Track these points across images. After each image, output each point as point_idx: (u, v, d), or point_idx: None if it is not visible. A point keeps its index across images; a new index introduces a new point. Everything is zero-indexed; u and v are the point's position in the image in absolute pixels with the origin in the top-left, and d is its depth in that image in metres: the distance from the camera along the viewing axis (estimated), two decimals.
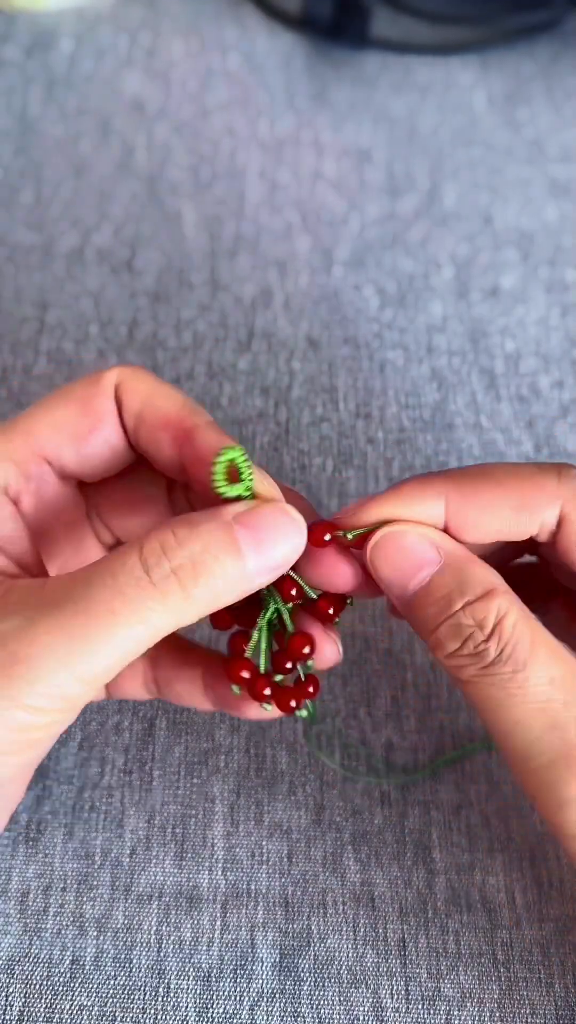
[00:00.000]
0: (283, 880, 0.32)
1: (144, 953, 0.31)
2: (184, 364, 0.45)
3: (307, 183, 0.52)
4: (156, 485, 0.29)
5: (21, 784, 0.27)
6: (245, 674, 0.27)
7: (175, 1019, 0.30)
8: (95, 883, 0.32)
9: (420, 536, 0.25)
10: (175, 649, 0.30)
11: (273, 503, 0.25)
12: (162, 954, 0.31)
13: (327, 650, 0.28)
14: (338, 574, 0.26)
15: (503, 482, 0.25)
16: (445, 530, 0.25)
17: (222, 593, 0.23)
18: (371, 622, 0.38)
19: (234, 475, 0.24)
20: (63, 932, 0.31)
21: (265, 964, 0.31)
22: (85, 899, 0.32)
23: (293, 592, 0.27)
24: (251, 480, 0.24)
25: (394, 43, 0.58)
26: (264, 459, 0.42)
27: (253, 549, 0.23)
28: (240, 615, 0.28)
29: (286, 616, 0.27)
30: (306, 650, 0.27)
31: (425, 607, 0.24)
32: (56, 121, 0.55)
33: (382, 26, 0.58)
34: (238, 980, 0.31)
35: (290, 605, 0.27)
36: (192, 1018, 0.30)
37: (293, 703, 0.27)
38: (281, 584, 0.27)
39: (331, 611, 0.27)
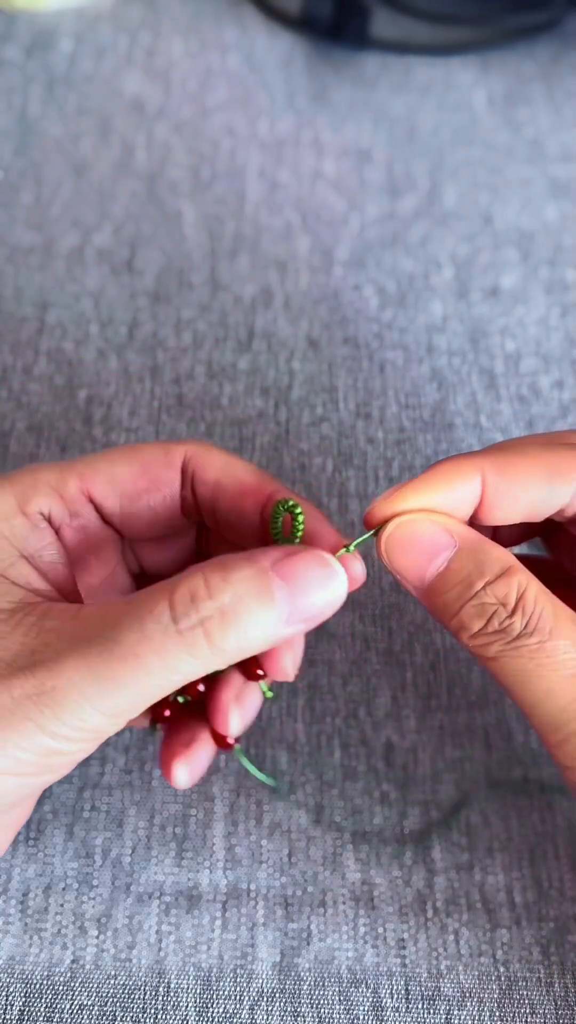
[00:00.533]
0: (283, 880, 0.32)
1: (144, 952, 0.31)
2: (184, 364, 0.45)
3: (307, 183, 0.52)
4: (188, 523, 0.30)
5: (31, 804, 0.28)
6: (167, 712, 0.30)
7: (175, 1018, 0.30)
8: (95, 882, 0.32)
9: (433, 523, 0.25)
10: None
11: (312, 551, 0.24)
12: (162, 953, 0.31)
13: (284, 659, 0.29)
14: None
15: (536, 455, 0.26)
16: (479, 507, 0.26)
17: (252, 641, 0.23)
18: (371, 622, 0.38)
19: (288, 526, 0.26)
20: (63, 931, 0.31)
21: (265, 963, 0.31)
22: (85, 898, 0.32)
23: (259, 672, 0.29)
24: (301, 529, 0.26)
25: (394, 43, 0.58)
26: (264, 459, 0.42)
27: (287, 598, 0.23)
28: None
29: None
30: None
31: (445, 592, 0.25)
32: (56, 121, 0.55)
33: (382, 26, 0.58)
34: (238, 979, 0.31)
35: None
36: (192, 1017, 0.30)
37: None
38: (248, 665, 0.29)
39: (260, 671, 0.29)
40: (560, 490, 0.25)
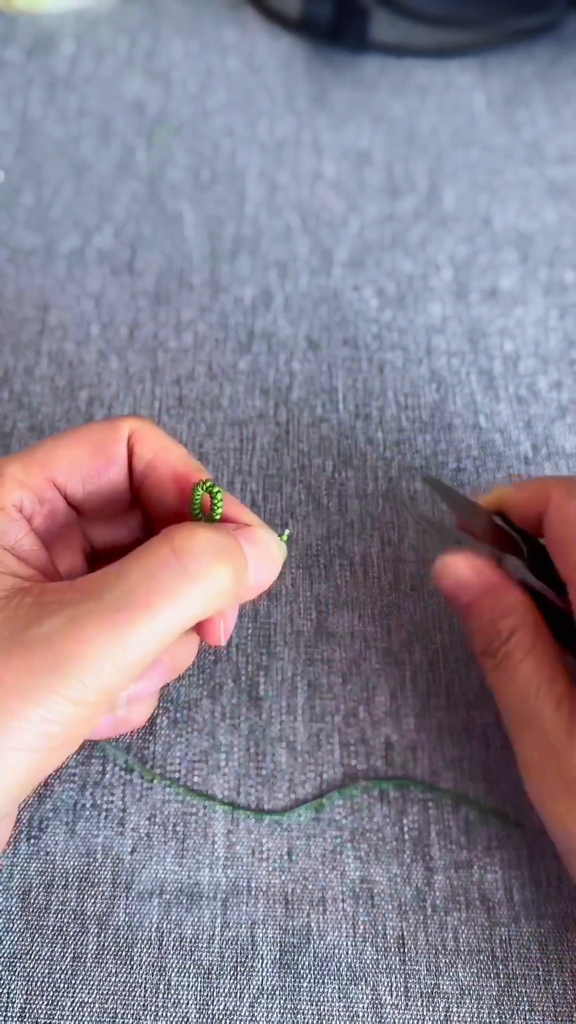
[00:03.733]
0: (283, 877, 0.33)
1: (145, 950, 0.31)
2: (184, 365, 0.45)
3: (307, 184, 0.52)
4: (124, 483, 0.32)
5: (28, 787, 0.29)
6: None
7: (176, 1016, 0.30)
8: (96, 880, 0.32)
9: (464, 562, 0.32)
10: None
11: (262, 526, 0.29)
12: (163, 951, 0.31)
13: None
14: None
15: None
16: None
17: (238, 588, 0.27)
18: (370, 621, 0.38)
19: (206, 508, 0.29)
20: (64, 929, 0.32)
21: (265, 961, 0.31)
22: (86, 896, 0.32)
23: None
24: (220, 508, 0.29)
25: (393, 46, 0.58)
26: (264, 460, 0.42)
27: (252, 560, 0.28)
28: None
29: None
30: None
31: (472, 617, 0.32)
32: (57, 122, 0.55)
33: (381, 29, 0.58)
34: (238, 977, 0.31)
35: None
36: (192, 1015, 0.30)
37: None
38: None
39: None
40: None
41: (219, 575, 0.25)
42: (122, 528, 0.33)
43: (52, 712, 0.23)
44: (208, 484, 0.29)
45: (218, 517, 0.29)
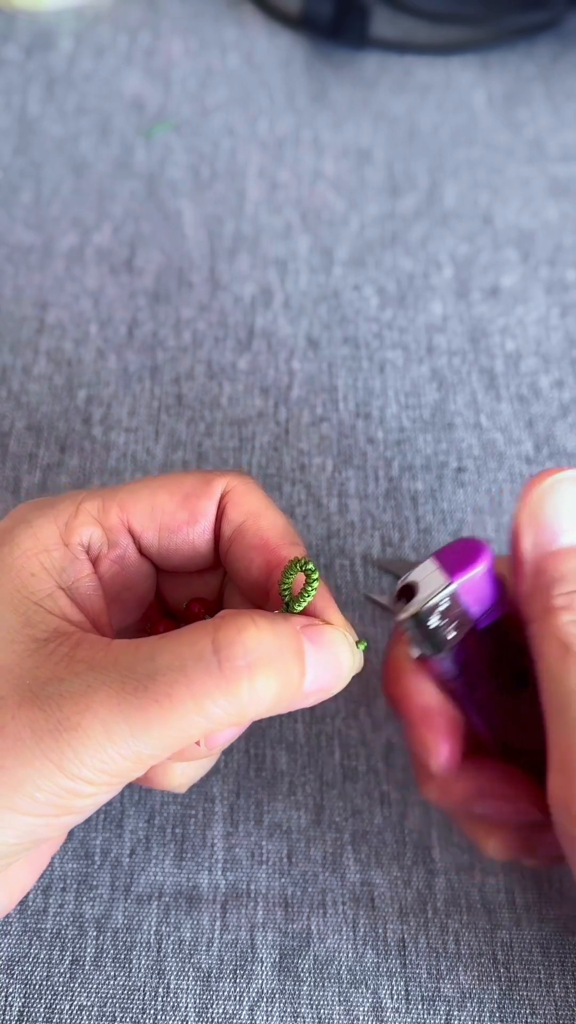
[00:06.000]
0: (283, 880, 0.32)
1: (144, 953, 0.31)
2: (184, 364, 0.45)
3: (307, 183, 0.52)
4: (208, 541, 0.29)
5: (58, 842, 0.28)
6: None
7: (175, 1019, 0.30)
8: (95, 883, 0.32)
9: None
10: None
11: (335, 626, 0.25)
12: (162, 954, 0.31)
13: None
14: None
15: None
16: None
17: (283, 699, 0.23)
18: (371, 622, 0.38)
19: (299, 587, 0.25)
20: (63, 932, 0.31)
21: (265, 964, 0.31)
22: (85, 899, 0.32)
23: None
24: (314, 593, 0.25)
25: (394, 43, 0.58)
26: (264, 459, 0.42)
27: (313, 664, 0.24)
28: None
29: None
30: None
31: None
32: (56, 120, 0.55)
33: (382, 26, 0.58)
34: (238, 980, 0.31)
35: None
36: (192, 1018, 0.30)
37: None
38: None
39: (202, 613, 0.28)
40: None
41: (261, 685, 0.22)
42: (198, 587, 0.30)
43: (42, 778, 0.22)
44: (304, 563, 0.25)
45: (304, 606, 0.25)
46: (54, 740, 0.21)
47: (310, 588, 0.25)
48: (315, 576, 0.25)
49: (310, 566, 0.25)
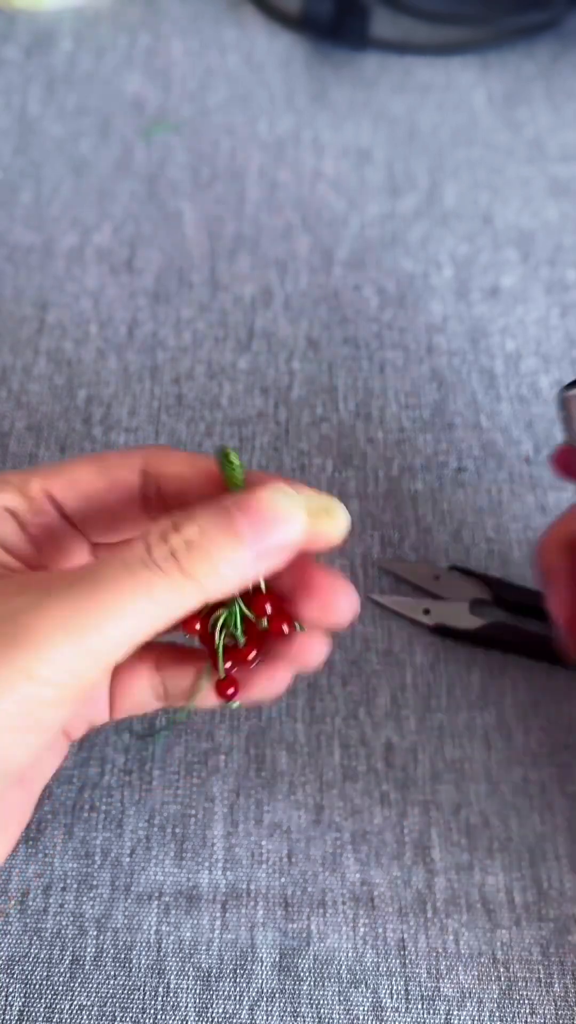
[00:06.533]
0: (283, 880, 0.32)
1: (144, 953, 0.31)
2: (184, 364, 0.45)
3: (307, 183, 0.52)
4: (133, 504, 0.31)
5: (32, 798, 0.28)
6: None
7: (175, 1019, 0.30)
8: (95, 883, 0.32)
9: None
10: (175, 649, 0.31)
11: (269, 485, 0.26)
12: (162, 954, 0.31)
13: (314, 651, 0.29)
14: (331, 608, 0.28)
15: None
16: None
17: (224, 575, 0.25)
18: (370, 622, 0.38)
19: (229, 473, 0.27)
20: (63, 932, 0.31)
21: (265, 964, 0.31)
22: (85, 899, 0.32)
23: (267, 608, 0.28)
24: (238, 467, 0.26)
25: (394, 43, 0.58)
26: (264, 459, 0.42)
27: (252, 532, 0.25)
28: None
29: (238, 622, 0.28)
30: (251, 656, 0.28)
31: None
32: (56, 120, 0.55)
33: (382, 26, 0.58)
34: (238, 980, 0.31)
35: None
36: (192, 1018, 0.30)
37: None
38: (253, 599, 0.28)
39: (284, 629, 0.28)
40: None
41: (193, 566, 0.24)
42: (126, 533, 0.32)
43: (7, 686, 0.23)
44: (222, 448, 0.27)
45: (238, 485, 0.27)
46: (14, 647, 0.23)
47: (231, 464, 0.26)
48: (228, 452, 0.26)
49: (226, 449, 0.26)
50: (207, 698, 0.29)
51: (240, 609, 0.28)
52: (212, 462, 0.28)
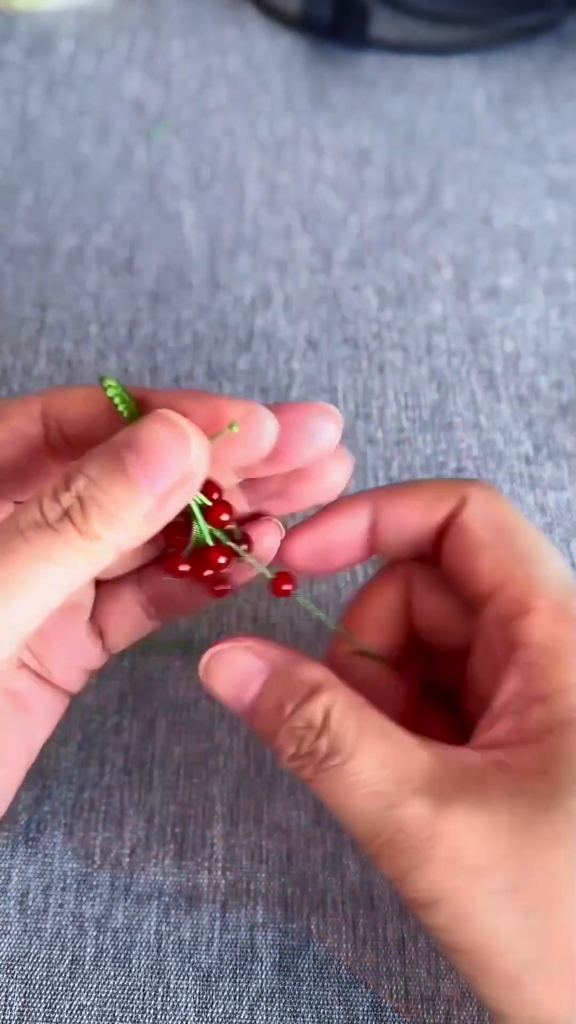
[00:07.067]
0: (283, 880, 0.32)
1: (144, 953, 0.31)
2: (183, 364, 0.45)
3: (306, 184, 0.52)
4: (43, 455, 0.29)
5: (20, 756, 0.28)
6: (184, 567, 0.27)
7: (175, 1019, 0.30)
8: (95, 883, 0.32)
9: (243, 649, 0.25)
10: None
11: (153, 414, 0.23)
12: (162, 954, 0.31)
13: (267, 540, 0.28)
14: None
15: (417, 485, 0.28)
16: (373, 530, 0.28)
17: (128, 526, 0.23)
18: None
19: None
20: (63, 932, 0.31)
21: (265, 964, 0.31)
22: (85, 899, 0.32)
23: (224, 517, 0.26)
24: (116, 398, 0.24)
25: (393, 44, 0.58)
26: None
27: (145, 473, 0.22)
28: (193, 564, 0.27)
29: (215, 536, 0.27)
30: (221, 560, 0.27)
31: (261, 718, 0.25)
32: (56, 121, 0.55)
33: (381, 27, 0.58)
34: (238, 980, 0.31)
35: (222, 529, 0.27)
36: (192, 1018, 0.30)
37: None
38: (211, 511, 0.26)
39: (286, 587, 0.27)
40: (436, 511, 0.27)
41: (90, 524, 0.22)
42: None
43: None
44: (101, 379, 0.25)
45: (135, 414, 0.24)
46: None
47: (114, 394, 0.24)
48: (107, 383, 0.24)
49: (105, 379, 0.24)
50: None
51: (209, 531, 0.26)
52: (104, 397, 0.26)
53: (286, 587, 0.27)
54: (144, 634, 0.31)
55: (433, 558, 0.28)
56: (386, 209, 0.51)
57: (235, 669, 0.25)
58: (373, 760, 0.23)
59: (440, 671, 0.31)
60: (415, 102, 0.56)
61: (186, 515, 0.26)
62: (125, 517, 0.22)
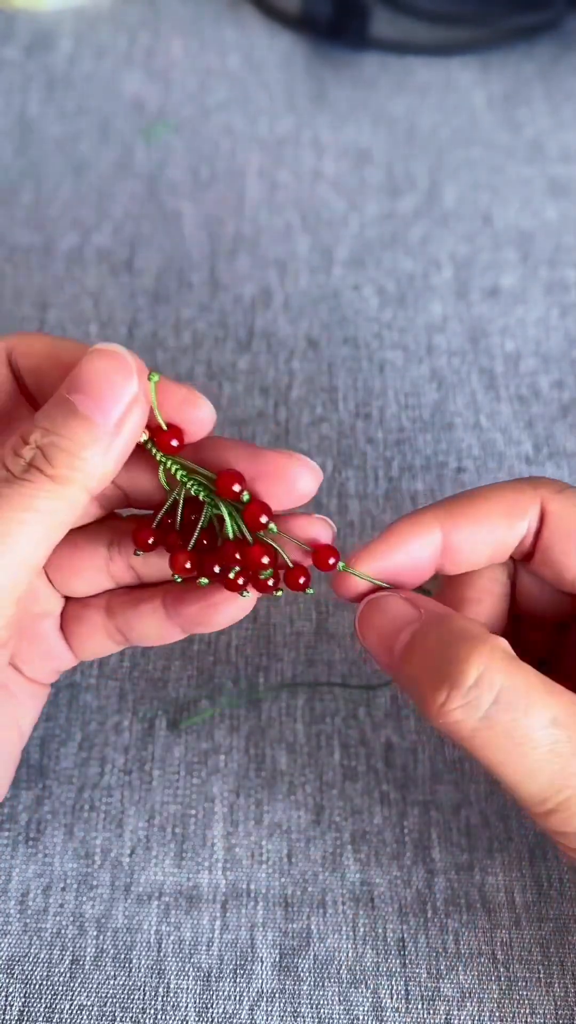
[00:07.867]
0: (283, 880, 0.32)
1: (144, 953, 0.31)
2: (184, 364, 0.45)
3: (307, 183, 0.52)
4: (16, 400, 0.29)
5: (12, 749, 0.29)
6: (188, 564, 0.27)
7: (175, 1019, 0.30)
8: (95, 883, 0.32)
9: (398, 597, 0.26)
10: (126, 590, 0.30)
11: (89, 351, 0.24)
12: (162, 954, 0.31)
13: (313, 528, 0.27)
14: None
15: (488, 495, 0.27)
16: (444, 558, 0.27)
17: (93, 461, 0.23)
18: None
19: None
20: (63, 932, 0.31)
21: (265, 964, 0.31)
22: (85, 899, 0.32)
23: (263, 519, 0.26)
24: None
25: (393, 43, 0.58)
26: None
27: (94, 404, 0.23)
28: (203, 562, 0.27)
29: (229, 522, 0.26)
30: (264, 559, 0.26)
31: (411, 664, 0.24)
32: (55, 121, 0.55)
33: (381, 26, 0.58)
34: (238, 980, 0.31)
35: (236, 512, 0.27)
36: (192, 1018, 0.30)
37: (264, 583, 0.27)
38: (249, 510, 0.26)
39: (302, 580, 0.27)
40: (513, 524, 0.26)
41: (56, 468, 0.23)
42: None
43: None
44: (151, 375, 0.25)
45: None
46: None
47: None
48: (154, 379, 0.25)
49: (152, 373, 0.25)
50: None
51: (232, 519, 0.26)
52: (75, 349, 0.26)
53: (302, 580, 0.27)
54: (115, 651, 0.31)
55: (514, 559, 0.28)
56: (386, 209, 0.51)
57: (389, 616, 0.25)
58: (546, 718, 0.23)
59: (533, 636, 0.30)
60: (415, 102, 0.56)
61: (210, 523, 0.26)
62: (88, 455, 0.23)
